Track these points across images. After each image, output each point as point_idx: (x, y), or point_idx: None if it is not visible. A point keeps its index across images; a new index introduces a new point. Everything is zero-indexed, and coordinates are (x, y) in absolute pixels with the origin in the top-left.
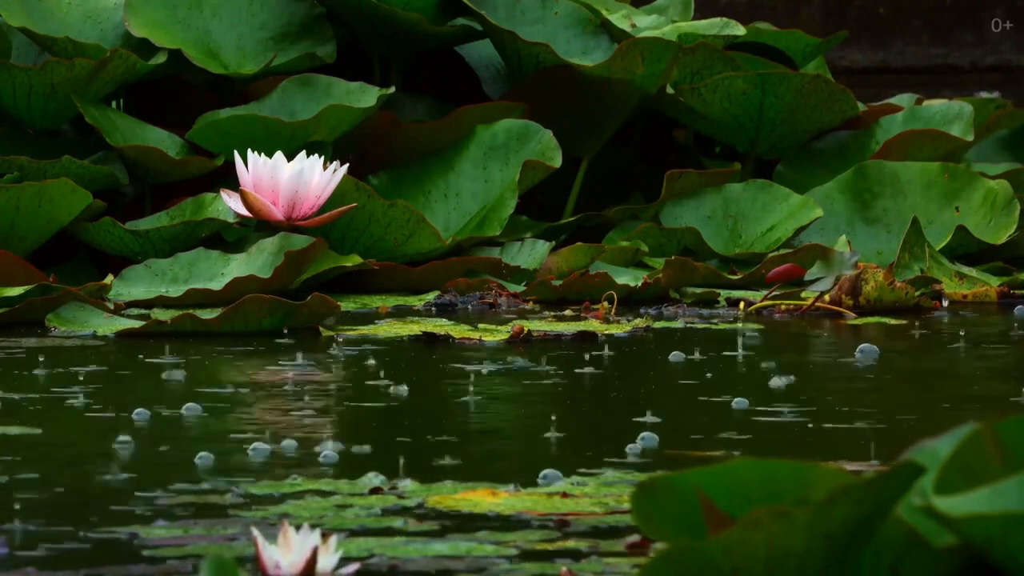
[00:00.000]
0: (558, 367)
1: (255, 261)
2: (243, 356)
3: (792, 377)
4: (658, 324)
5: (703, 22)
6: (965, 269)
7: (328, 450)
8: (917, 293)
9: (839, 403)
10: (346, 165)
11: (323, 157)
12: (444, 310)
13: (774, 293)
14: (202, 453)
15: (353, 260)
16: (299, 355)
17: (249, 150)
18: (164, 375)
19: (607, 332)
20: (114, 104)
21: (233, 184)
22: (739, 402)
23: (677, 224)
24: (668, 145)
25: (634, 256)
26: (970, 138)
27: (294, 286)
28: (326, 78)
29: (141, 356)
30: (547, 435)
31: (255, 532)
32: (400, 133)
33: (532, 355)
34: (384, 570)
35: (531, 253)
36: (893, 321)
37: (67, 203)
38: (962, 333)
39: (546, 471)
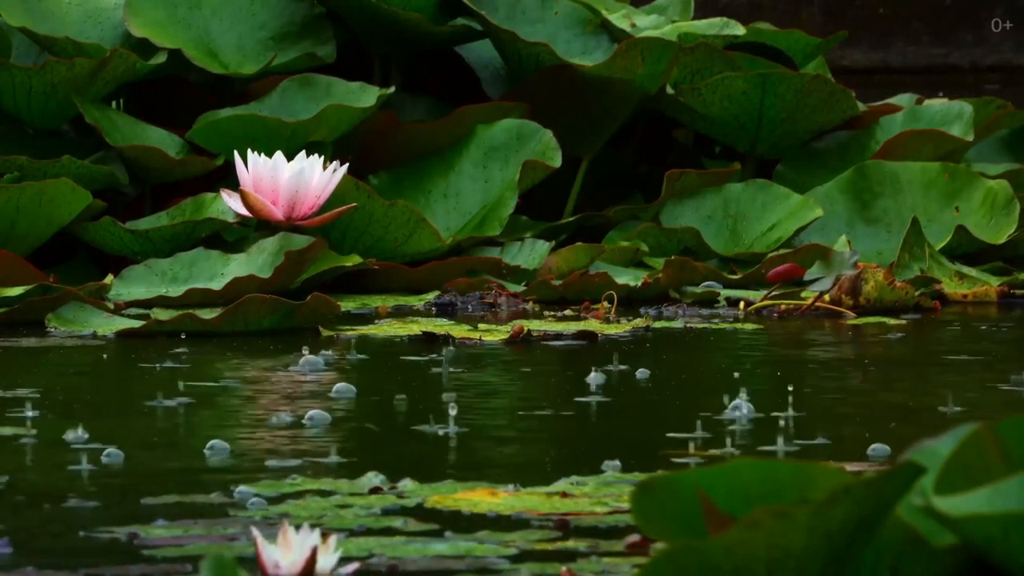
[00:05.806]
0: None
1: (255, 261)
2: (242, 355)
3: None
4: (658, 324)
5: (703, 22)
6: (965, 269)
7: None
8: (917, 293)
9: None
10: (346, 165)
11: (323, 157)
12: (444, 310)
13: (774, 293)
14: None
15: (353, 260)
16: (299, 354)
17: (249, 150)
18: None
19: (607, 332)
20: (114, 104)
21: (233, 184)
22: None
23: (677, 224)
24: (668, 145)
25: (634, 256)
26: (970, 138)
27: (294, 286)
28: (326, 78)
29: (143, 356)
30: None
31: (255, 532)
32: (400, 133)
33: (533, 357)
34: (384, 570)
35: (531, 253)
36: (893, 321)
37: (67, 203)
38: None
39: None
